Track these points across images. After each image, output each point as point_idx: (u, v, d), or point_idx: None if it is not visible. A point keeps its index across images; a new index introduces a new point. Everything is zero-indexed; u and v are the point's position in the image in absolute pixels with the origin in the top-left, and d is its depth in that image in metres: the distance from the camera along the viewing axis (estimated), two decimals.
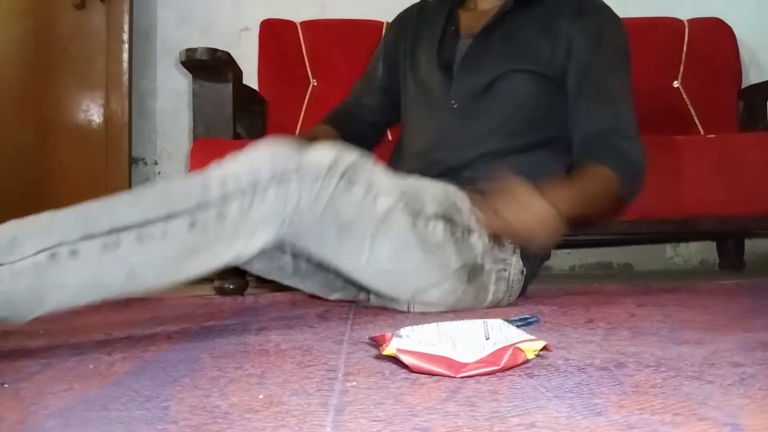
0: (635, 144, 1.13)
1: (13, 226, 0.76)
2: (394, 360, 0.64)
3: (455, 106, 1.20)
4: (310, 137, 1.20)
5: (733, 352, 0.69)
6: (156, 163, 2.31)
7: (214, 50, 1.56)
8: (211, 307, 1.24)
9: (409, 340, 0.63)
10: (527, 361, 0.63)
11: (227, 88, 1.60)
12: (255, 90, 1.93)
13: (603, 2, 1.25)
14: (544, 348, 0.63)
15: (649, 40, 2.04)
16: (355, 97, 1.42)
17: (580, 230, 1.13)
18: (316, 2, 2.28)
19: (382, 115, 1.40)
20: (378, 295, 1.07)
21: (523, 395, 0.54)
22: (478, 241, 1.06)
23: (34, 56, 2.12)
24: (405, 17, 1.39)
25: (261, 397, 0.56)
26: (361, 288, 1.10)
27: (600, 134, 1.14)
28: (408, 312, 1.06)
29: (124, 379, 0.64)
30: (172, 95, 2.30)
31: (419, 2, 1.41)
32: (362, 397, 0.55)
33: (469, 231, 1.05)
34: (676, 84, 2.02)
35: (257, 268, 1.08)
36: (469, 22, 1.26)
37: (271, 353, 0.77)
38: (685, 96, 2.01)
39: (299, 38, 2.05)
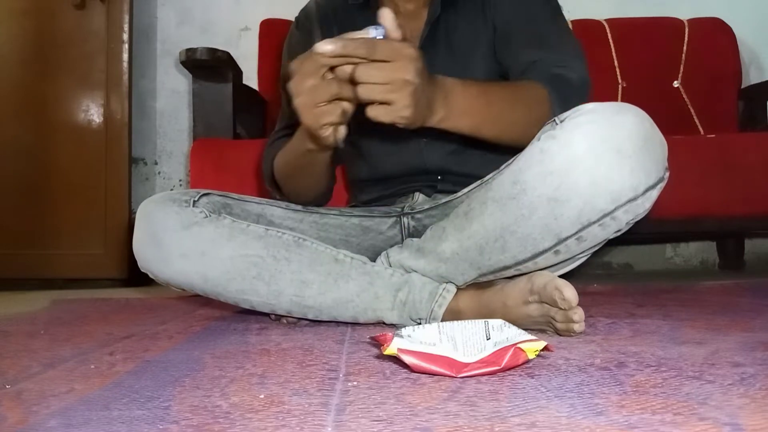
0: (576, 71, 0.97)
1: None
2: (395, 360, 0.65)
3: (425, 141, 1.09)
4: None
5: (733, 352, 0.69)
6: (156, 163, 2.31)
7: (214, 50, 1.56)
8: (212, 306, 1.24)
9: (410, 340, 0.63)
10: (528, 361, 0.63)
11: (227, 88, 1.60)
12: (255, 90, 1.93)
13: None
14: (545, 348, 0.63)
15: (649, 40, 2.05)
16: None
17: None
18: None
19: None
20: None
21: (523, 395, 0.54)
22: None
23: (34, 56, 2.12)
24: (325, 16, 1.14)
25: (262, 396, 0.56)
26: None
27: (534, 66, 0.97)
28: None
29: (126, 379, 0.64)
30: (172, 95, 2.30)
31: (325, 2, 1.16)
32: (363, 397, 0.55)
33: None
34: (676, 84, 2.02)
35: None
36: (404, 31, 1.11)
37: (272, 353, 0.77)
38: (685, 96, 2.01)
39: None
